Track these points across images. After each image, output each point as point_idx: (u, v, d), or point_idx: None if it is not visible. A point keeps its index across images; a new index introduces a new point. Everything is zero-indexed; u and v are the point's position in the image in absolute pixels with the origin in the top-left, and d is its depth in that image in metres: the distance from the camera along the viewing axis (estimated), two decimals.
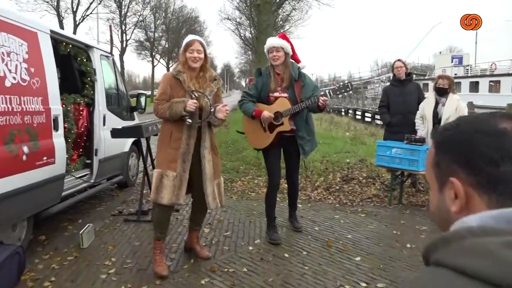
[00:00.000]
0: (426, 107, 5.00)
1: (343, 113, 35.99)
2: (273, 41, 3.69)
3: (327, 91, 3.65)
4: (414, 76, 5.68)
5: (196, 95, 3.11)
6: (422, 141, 4.78)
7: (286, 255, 3.52)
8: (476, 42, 41.02)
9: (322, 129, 13.56)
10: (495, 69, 31.67)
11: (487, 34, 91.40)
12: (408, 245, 3.74)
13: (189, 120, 3.05)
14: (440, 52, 48.67)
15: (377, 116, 30.03)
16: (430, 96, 5.04)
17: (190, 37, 3.23)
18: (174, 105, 3.00)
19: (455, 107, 4.80)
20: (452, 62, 39.13)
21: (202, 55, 3.16)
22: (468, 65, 36.74)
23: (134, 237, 3.95)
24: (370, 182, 5.96)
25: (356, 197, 5.41)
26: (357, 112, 34.05)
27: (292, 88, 3.68)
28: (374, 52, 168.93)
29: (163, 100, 3.10)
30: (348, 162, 6.97)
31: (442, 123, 4.82)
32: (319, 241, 3.85)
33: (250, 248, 3.68)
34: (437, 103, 4.94)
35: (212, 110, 3.14)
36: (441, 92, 4.92)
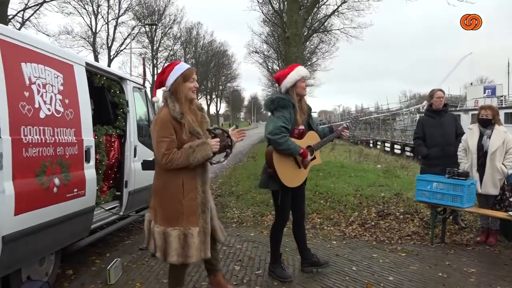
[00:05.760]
0: (469, 139, 4.71)
1: (371, 145, 35.40)
2: (306, 70, 3.61)
3: (345, 124, 3.97)
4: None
5: (216, 132, 2.87)
6: (465, 175, 4.48)
7: None
8: (508, 72, 40.03)
9: (353, 161, 13.23)
10: None
11: None
12: None
13: (214, 162, 2.81)
14: (472, 83, 47.64)
15: (407, 148, 29.36)
16: (473, 128, 4.76)
17: (185, 64, 2.87)
18: (198, 149, 2.65)
19: (502, 139, 4.50)
20: (484, 93, 38.14)
21: None
22: (502, 96, 35.68)
23: (162, 273, 3.79)
24: (408, 218, 5.62)
25: (394, 234, 5.09)
26: (386, 144, 33.38)
27: (307, 120, 3.66)
28: (403, 83, 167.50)
29: (173, 148, 2.65)
30: (383, 196, 6.66)
31: (488, 156, 4.52)
32: (358, 283, 3.57)
33: None
34: (481, 135, 4.65)
35: (233, 143, 2.94)
36: (485, 124, 4.64)
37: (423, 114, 5.66)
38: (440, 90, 5.35)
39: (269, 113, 3.59)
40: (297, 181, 3.53)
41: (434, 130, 5.18)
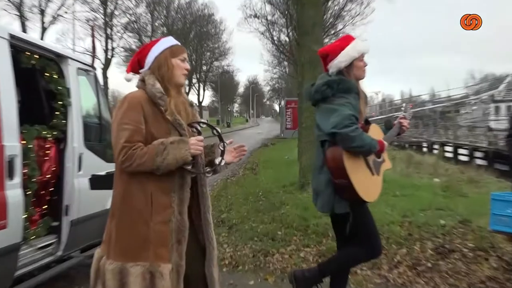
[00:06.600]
0: None
1: (425, 149, 35.43)
2: (366, 44, 3.68)
3: (401, 113, 4.08)
4: None
5: (199, 128, 2.89)
6: None
7: None
8: None
9: (398, 174, 13.23)
10: None
11: None
12: None
13: (193, 170, 2.78)
14: None
15: (478, 154, 29.41)
16: None
17: (173, 39, 2.98)
18: (172, 147, 2.62)
19: None
20: None
21: None
22: None
23: None
24: (481, 257, 5.62)
25: (461, 281, 5.09)
26: (447, 148, 33.43)
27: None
28: (469, 60, 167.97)
29: (138, 142, 2.62)
30: (443, 225, 6.67)
31: None
32: None
33: None
34: None
35: (223, 149, 2.92)
36: None
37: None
38: None
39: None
40: (376, 192, 3.62)
41: None
